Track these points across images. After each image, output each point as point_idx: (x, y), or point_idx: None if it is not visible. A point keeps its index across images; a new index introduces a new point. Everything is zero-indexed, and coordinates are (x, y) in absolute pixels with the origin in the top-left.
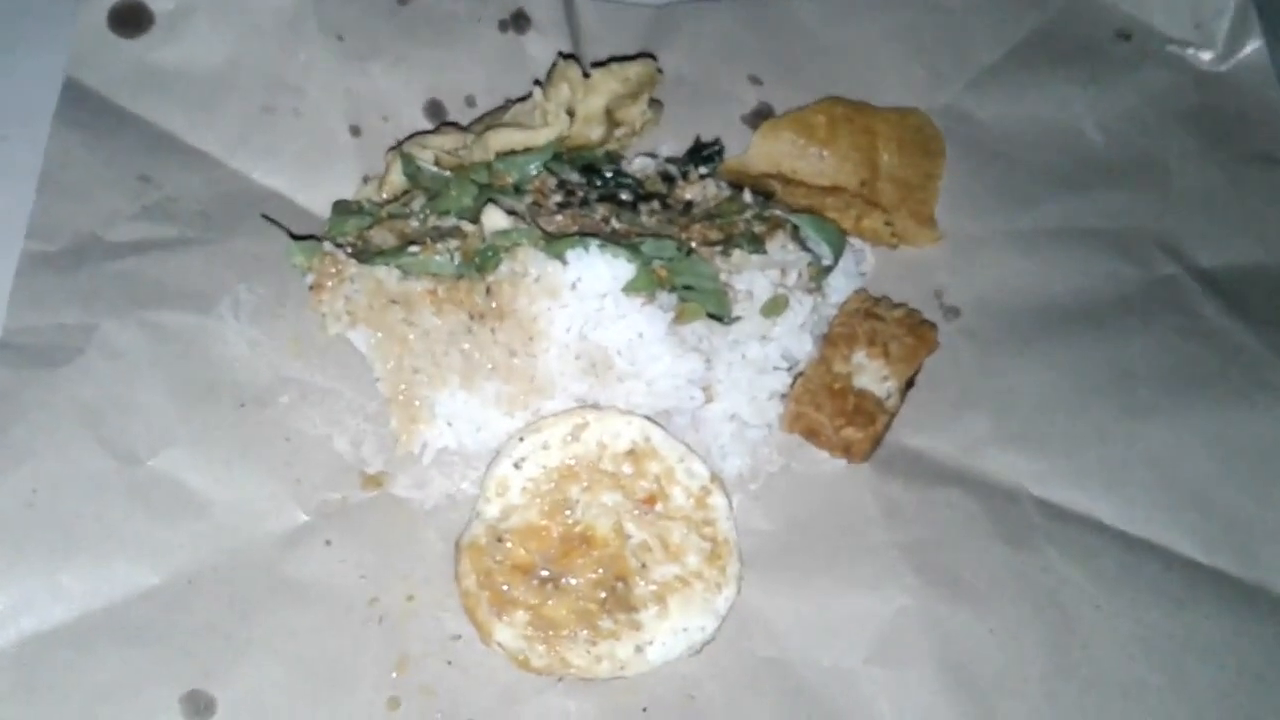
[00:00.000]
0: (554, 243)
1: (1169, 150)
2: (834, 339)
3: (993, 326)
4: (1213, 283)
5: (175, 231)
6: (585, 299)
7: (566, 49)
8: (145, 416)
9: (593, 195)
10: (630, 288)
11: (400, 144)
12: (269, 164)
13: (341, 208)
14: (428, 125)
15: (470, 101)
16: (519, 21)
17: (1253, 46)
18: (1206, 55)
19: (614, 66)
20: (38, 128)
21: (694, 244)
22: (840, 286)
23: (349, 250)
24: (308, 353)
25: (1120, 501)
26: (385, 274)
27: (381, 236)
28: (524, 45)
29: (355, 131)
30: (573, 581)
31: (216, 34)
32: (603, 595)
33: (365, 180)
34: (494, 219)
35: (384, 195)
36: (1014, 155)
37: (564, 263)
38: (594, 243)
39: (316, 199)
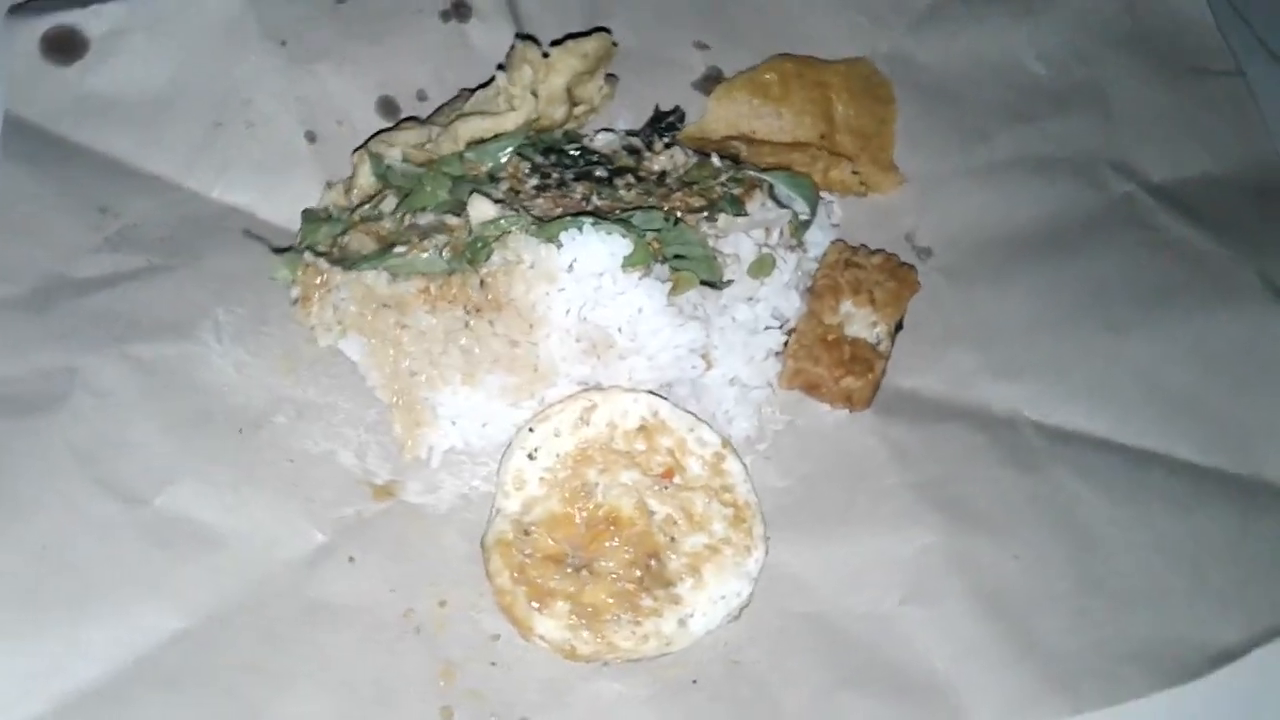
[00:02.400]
0: (545, 226)
1: (1108, 74)
2: (820, 291)
3: (966, 262)
4: (1167, 195)
5: (142, 260)
6: (582, 280)
7: (509, 33)
8: (143, 454)
9: (569, 175)
10: (629, 262)
11: (365, 145)
12: (227, 180)
13: (311, 216)
14: (382, 124)
15: (421, 95)
16: (460, 10)
17: None
18: None
19: (570, 44)
20: None
21: (679, 213)
22: (818, 240)
23: (328, 258)
24: (298, 368)
25: (1114, 415)
26: (374, 278)
27: (359, 241)
28: (467, 33)
29: (311, 138)
30: (606, 564)
31: (155, 53)
32: (638, 574)
33: (329, 186)
34: (481, 209)
35: (354, 199)
36: (962, 93)
37: (558, 245)
38: (587, 222)
39: (280, 211)
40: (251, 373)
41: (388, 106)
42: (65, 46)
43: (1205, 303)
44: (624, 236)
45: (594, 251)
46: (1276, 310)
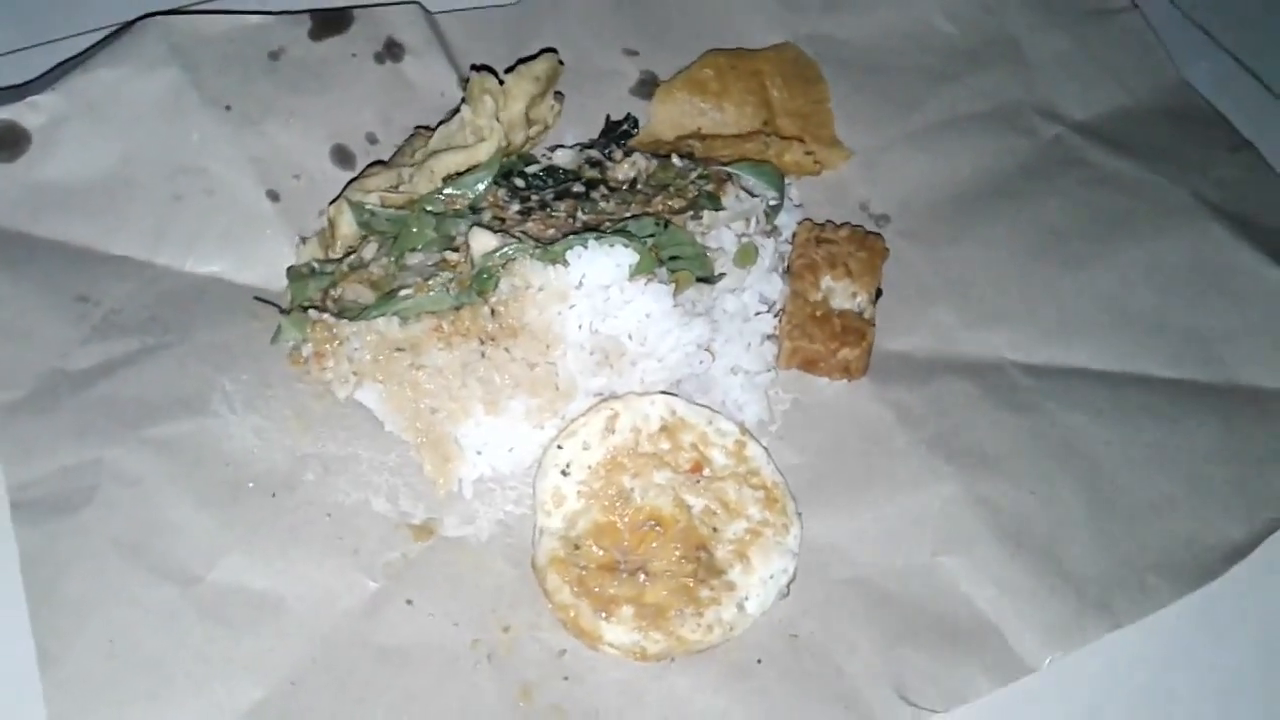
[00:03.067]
0: (549, 249)
1: (1016, 24)
2: (799, 271)
3: (923, 223)
4: (1093, 132)
5: (135, 343)
6: (592, 294)
7: (445, 66)
8: (185, 534)
9: (548, 195)
10: (638, 270)
11: (340, 196)
12: (198, 252)
13: (296, 274)
14: (339, 172)
15: (372, 138)
16: (393, 50)
17: None
18: None
19: (522, 68)
20: None
21: (666, 216)
22: (786, 222)
23: (329, 313)
24: (313, 426)
25: (1088, 345)
26: (385, 324)
27: (353, 291)
28: (404, 72)
29: (274, 196)
30: (659, 564)
31: (99, 136)
32: (691, 568)
33: (302, 241)
34: (483, 241)
35: (338, 250)
36: (885, 63)
37: (565, 265)
38: (590, 238)
39: (257, 273)
40: (270, 437)
41: (342, 154)
42: (8, 141)
43: (1151, 227)
44: (627, 247)
45: (600, 266)
46: (1214, 223)
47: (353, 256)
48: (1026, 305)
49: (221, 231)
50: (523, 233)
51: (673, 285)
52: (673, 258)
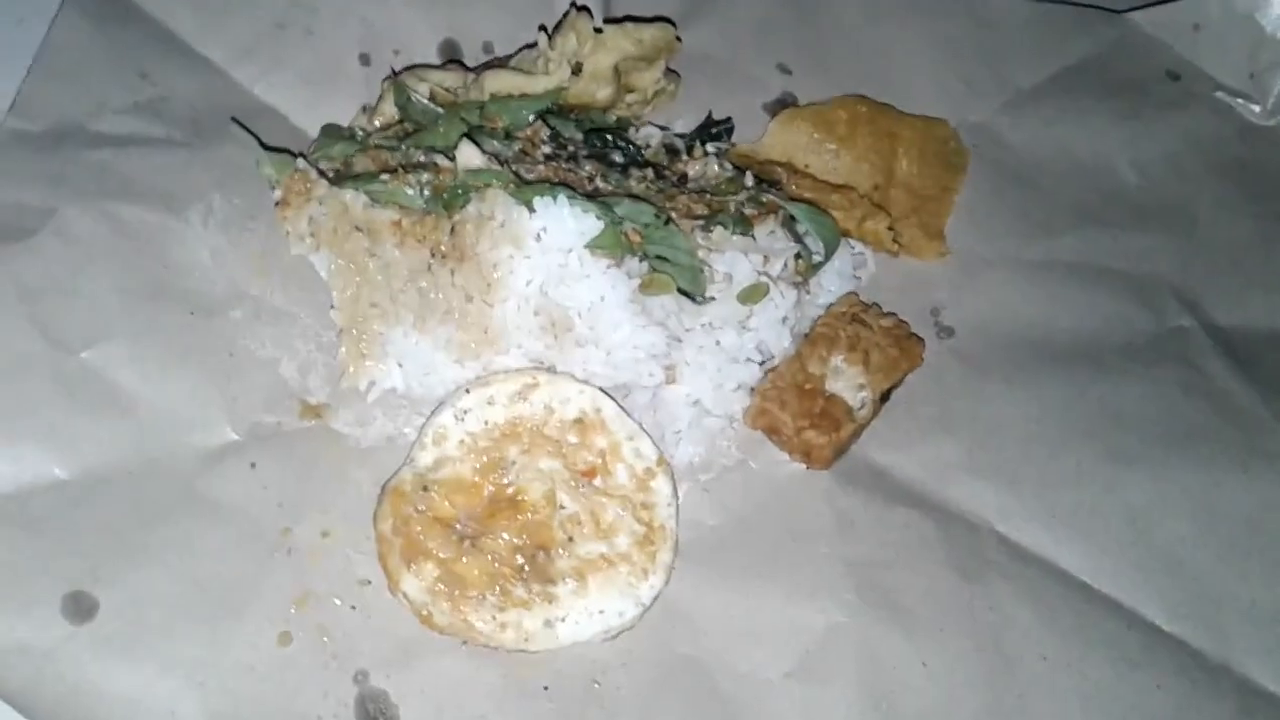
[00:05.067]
0: (523, 189)
1: (1202, 199)
2: (814, 339)
3: (985, 352)
4: (1226, 341)
5: (162, 131)
6: (549, 252)
7: (598, 7)
8: (87, 306)
9: (583, 152)
10: (594, 244)
11: (398, 74)
12: (271, 80)
13: (330, 131)
14: (436, 63)
15: (487, 48)
16: None
17: None
18: (1256, 108)
19: (628, 26)
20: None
21: (675, 215)
22: (831, 287)
23: (328, 173)
24: (270, 271)
25: (1088, 551)
26: (352, 199)
27: (363, 164)
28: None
29: (365, 60)
30: (492, 543)
31: None
32: (520, 562)
33: (364, 109)
34: (469, 156)
35: (375, 124)
36: (1040, 183)
37: (531, 210)
38: (563, 194)
39: (313, 121)
40: (224, 262)
41: (450, 49)
42: None
43: (1225, 459)
44: (598, 218)
45: (564, 225)
46: None
47: (384, 134)
48: (1043, 479)
49: (302, 72)
50: (520, 170)
51: (638, 280)
52: (660, 257)
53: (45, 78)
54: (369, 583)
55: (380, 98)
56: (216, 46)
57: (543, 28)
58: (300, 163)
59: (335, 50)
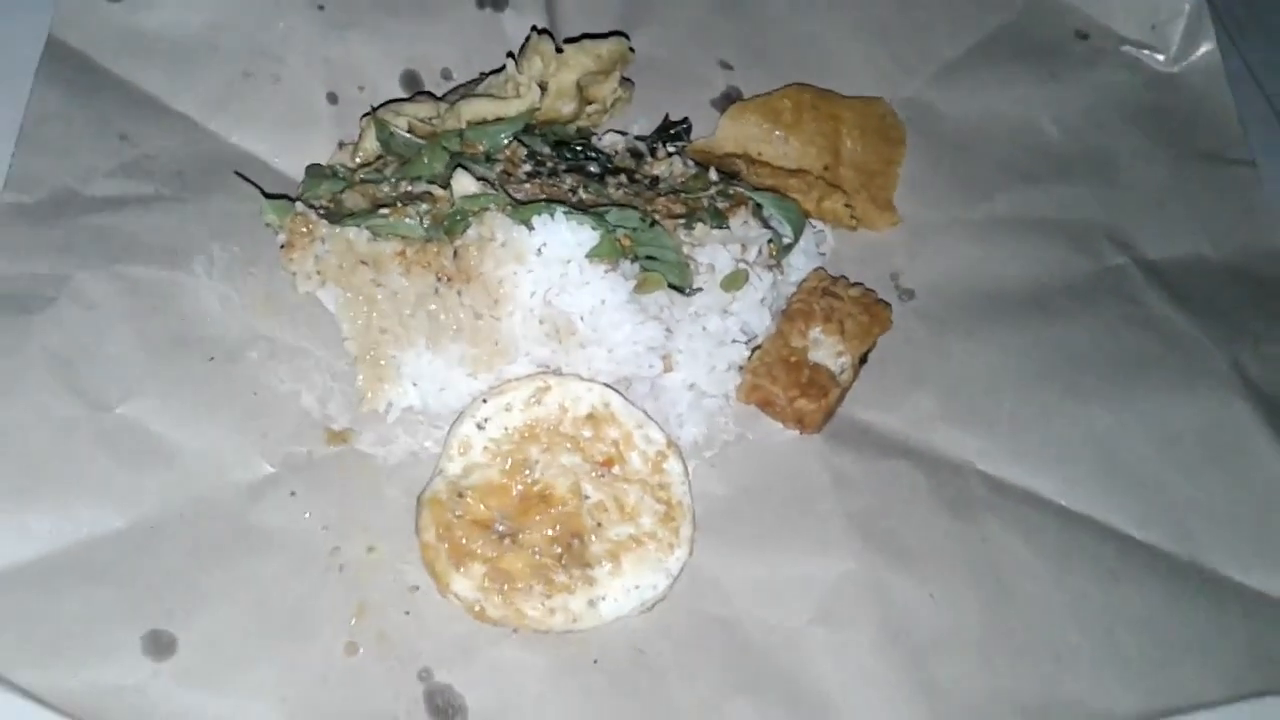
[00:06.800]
0: (520, 209)
1: (1121, 146)
2: (792, 315)
3: (945, 309)
4: (1158, 273)
5: (151, 189)
6: (550, 264)
7: (543, 26)
8: (115, 366)
9: (561, 166)
10: (594, 253)
11: (375, 110)
12: (247, 128)
13: (315, 171)
14: (404, 95)
15: (446, 75)
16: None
17: (1205, 49)
18: (1160, 57)
19: (586, 43)
20: (21, 85)
21: (658, 216)
22: (800, 265)
23: (321, 211)
24: (278, 311)
25: (1061, 478)
26: (355, 235)
27: (354, 200)
28: (501, 22)
29: (333, 99)
30: (530, 537)
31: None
32: (558, 551)
33: (340, 146)
34: (463, 184)
35: (357, 160)
36: (972, 147)
37: (530, 228)
38: (559, 209)
39: (293, 163)
40: (233, 308)
41: (411, 80)
42: None
43: (1172, 382)
44: (594, 229)
45: (563, 238)
46: (1242, 399)
47: (368, 170)
48: (1013, 419)
49: (275, 117)
50: (510, 190)
51: (634, 281)
52: (649, 257)
53: (31, 150)
54: (417, 588)
55: (360, 135)
56: (189, 101)
57: (511, 54)
58: (299, 206)
59: (303, 93)
